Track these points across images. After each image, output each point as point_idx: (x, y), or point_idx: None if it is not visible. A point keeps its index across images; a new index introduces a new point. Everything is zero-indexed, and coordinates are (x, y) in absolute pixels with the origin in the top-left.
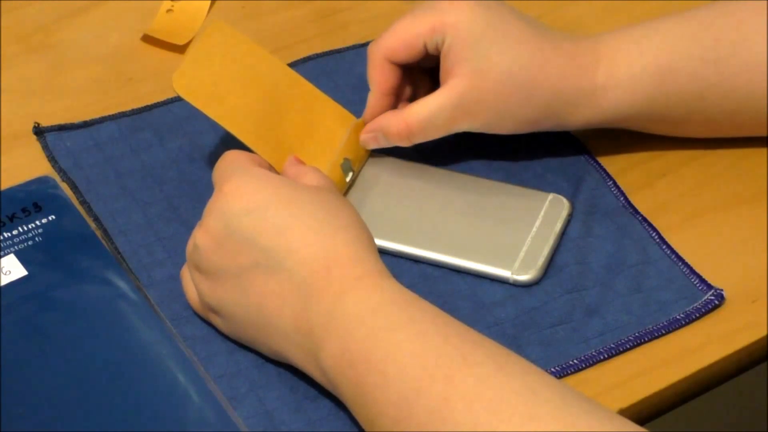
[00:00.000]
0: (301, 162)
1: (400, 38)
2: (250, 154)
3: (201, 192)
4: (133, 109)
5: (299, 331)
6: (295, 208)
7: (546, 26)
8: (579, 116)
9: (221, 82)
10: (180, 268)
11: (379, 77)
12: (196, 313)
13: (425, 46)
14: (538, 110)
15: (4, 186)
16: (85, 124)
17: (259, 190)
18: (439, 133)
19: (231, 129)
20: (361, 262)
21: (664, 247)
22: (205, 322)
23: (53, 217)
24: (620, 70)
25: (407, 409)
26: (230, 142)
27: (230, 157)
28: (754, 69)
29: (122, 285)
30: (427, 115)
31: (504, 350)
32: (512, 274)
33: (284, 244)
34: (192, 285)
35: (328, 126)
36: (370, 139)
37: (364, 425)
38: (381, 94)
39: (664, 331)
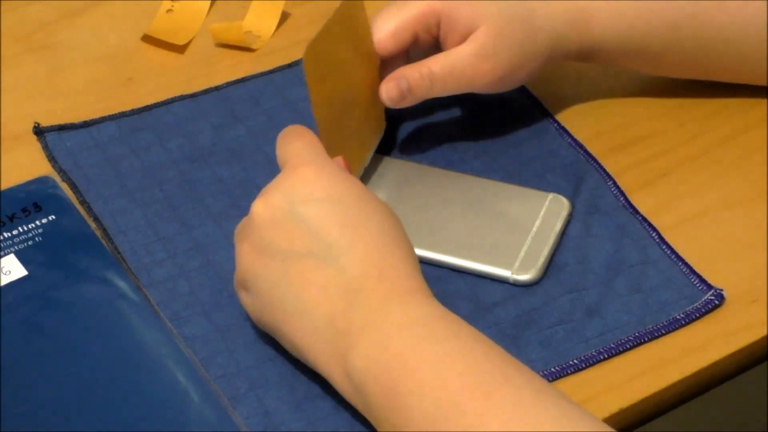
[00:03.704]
0: (347, 167)
1: (394, 37)
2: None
3: (201, 192)
4: (133, 109)
5: (334, 328)
6: (363, 210)
7: None
8: (572, 44)
9: (334, 61)
10: (180, 268)
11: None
12: (196, 313)
13: (415, 35)
14: (542, 43)
15: (4, 186)
16: (85, 124)
17: (335, 183)
18: (459, 84)
19: (315, 112)
20: (412, 278)
21: (664, 247)
22: (205, 323)
23: (53, 217)
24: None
25: (441, 420)
26: (229, 141)
27: (307, 138)
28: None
29: (122, 285)
30: (451, 61)
31: (541, 379)
32: (512, 274)
33: (346, 241)
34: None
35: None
36: (393, 87)
37: (383, 426)
38: None
39: (664, 331)
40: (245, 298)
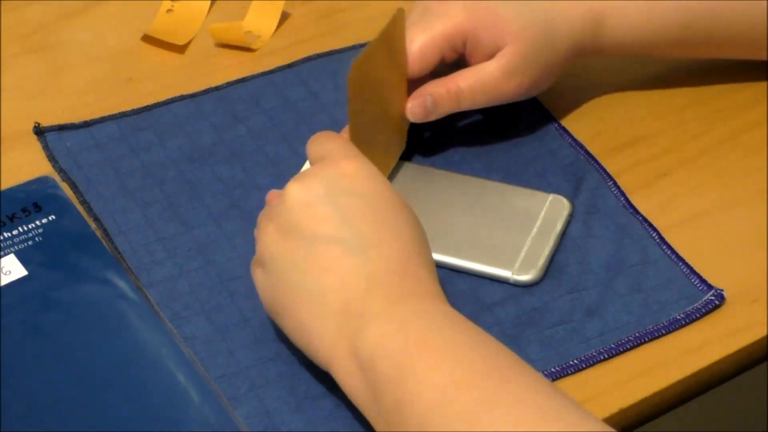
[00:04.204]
0: None
1: (414, 55)
2: None
3: (201, 192)
4: (133, 109)
5: (347, 312)
6: (395, 212)
7: None
8: (588, 47)
9: (375, 78)
10: (180, 267)
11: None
12: (196, 313)
13: (441, 55)
14: (563, 52)
15: (4, 186)
16: (85, 124)
17: (373, 182)
18: (485, 99)
19: (351, 126)
20: (432, 285)
21: (664, 247)
22: (205, 323)
23: (53, 217)
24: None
25: (453, 398)
26: (230, 142)
27: (345, 139)
28: None
29: (122, 285)
30: (478, 78)
31: (549, 382)
32: (513, 274)
33: (376, 235)
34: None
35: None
36: (417, 105)
37: (387, 410)
38: None
39: (664, 332)
40: (260, 276)
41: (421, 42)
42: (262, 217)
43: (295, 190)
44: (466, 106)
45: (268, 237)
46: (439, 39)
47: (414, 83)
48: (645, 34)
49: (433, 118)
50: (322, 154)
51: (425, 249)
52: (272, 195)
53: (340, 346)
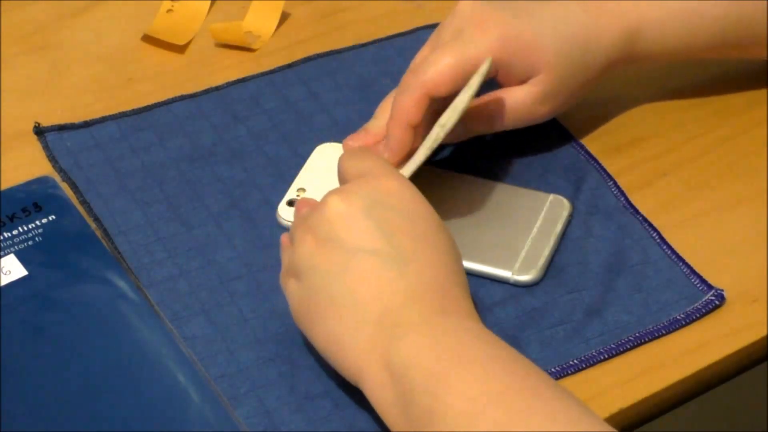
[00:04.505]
0: None
1: (446, 75)
2: None
3: (201, 192)
4: (133, 109)
5: (382, 323)
6: (435, 232)
7: None
8: (619, 65)
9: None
10: (180, 267)
11: (416, 112)
12: (196, 313)
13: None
14: (595, 73)
15: (4, 186)
16: (86, 124)
17: (415, 201)
18: (515, 123)
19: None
20: (469, 305)
21: (664, 247)
22: (205, 323)
23: (53, 217)
24: (650, 10)
25: (487, 410)
26: (230, 142)
27: (381, 158)
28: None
29: (122, 285)
30: (510, 104)
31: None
32: (513, 274)
33: (415, 252)
34: (287, 252)
35: None
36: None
37: (417, 421)
38: (410, 128)
39: (664, 332)
40: (292, 286)
41: (453, 65)
42: (298, 229)
43: (335, 202)
44: (497, 128)
45: (306, 248)
46: (471, 65)
47: (444, 100)
48: (679, 45)
49: (463, 138)
50: (361, 170)
51: (460, 270)
52: (302, 203)
53: (372, 356)
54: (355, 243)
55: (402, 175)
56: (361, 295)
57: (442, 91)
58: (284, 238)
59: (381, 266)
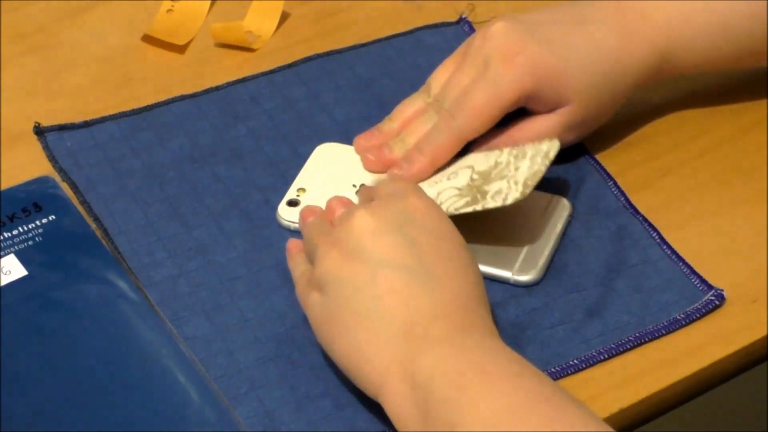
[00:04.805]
0: None
1: (485, 121)
2: None
3: (201, 192)
4: (133, 109)
5: (408, 335)
6: (459, 254)
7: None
8: (649, 84)
9: None
10: (180, 267)
11: (448, 156)
12: (196, 313)
13: (503, 115)
14: (624, 97)
15: (4, 186)
16: (86, 124)
17: (441, 219)
18: None
19: None
20: (491, 324)
21: (664, 247)
22: (205, 323)
23: (53, 217)
24: (682, 29)
25: (509, 421)
26: (230, 142)
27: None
28: None
29: (122, 285)
30: (537, 134)
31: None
32: (513, 274)
33: (441, 269)
34: (300, 261)
35: None
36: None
37: (437, 431)
38: (437, 166)
39: (664, 332)
40: (316, 299)
41: (486, 104)
42: (322, 243)
43: (365, 217)
44: None
45: (331, 261)
46: (505, 104)
47: None
48: (707, 58)
49: None
50: (391, 192)
51: (482, 289)
52: (308, 212)
53: (394, 368)
54: (383, 257)
55: (428, 196)
56: (387, 308)
57: (476, 135)
58: (291, 245)
59: (409, 281)
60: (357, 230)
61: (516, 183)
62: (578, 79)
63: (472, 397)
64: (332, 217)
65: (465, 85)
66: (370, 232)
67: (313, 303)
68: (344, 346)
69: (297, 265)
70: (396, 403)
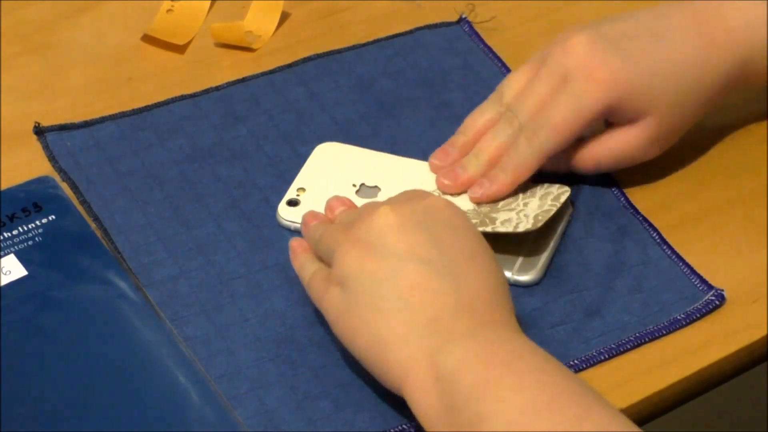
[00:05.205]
0: None
1: (567, 137)
2: None
3: (201, 192)
4: (133, 109)
5: (433, 327)
6: (482, 249)
7: (638, 13)
8: (734, 84)
9: None
10: (180, 267)
11: (532, 171)
12: (196, 313)
13: (586, 129)
14: (707, 107)
15: (4, 186)
16: (86, 124)
17: (462, 218)
18: (623, 164)
19: None
20: (515, 322)
21: (664, 247)
22: (205, 323)
23: (53, 217)
24: (761, 39)
25: (535, 418)
26: (230, 141)
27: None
28: None
29: (122, 285)
30: (619, 148)
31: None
32: (513, 274)
33: (464, 266)
34: (309, 261)
35: None
36: (551, 165)
37: (462, 426)
38: (518, 184)
39: (664, 332)
40: (336, 295)
41: (569, 120)
42: (342, 240)
43: (387, 213)
44: (604, 170)
45: (351, 257)
46: (588, 120)
47: None
48: None
49: (563, 171)
50: (410, 195)
51: (505, 287)
52: (310, 216)
53: (418, 360)
54: (406, 252)
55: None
56: (411, 301)
57: (559, 151)
58: (296, 244)
59: (432, 275)
60: (379, 226)
61: (526, 216)
62: (660, 93)
63: (497, 392)
64: (332, 215)
65: (542, 97)
66: (392, 228)
67: (332, 298)
68: (366, 339)
69: (305, 264)
70: (420, 396)
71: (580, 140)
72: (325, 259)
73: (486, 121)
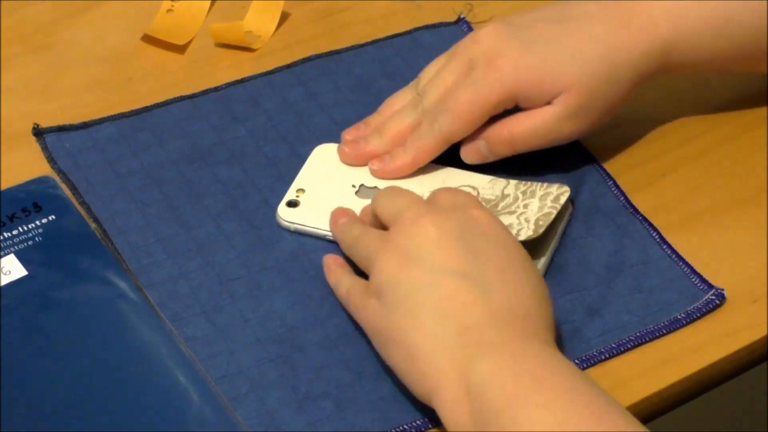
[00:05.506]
0: None
1: (468, 123)
2: None
3: (200, 192)
4: (132, 110)
5: (466, 337)
6: (522, 264)
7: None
8: (651, 78)
9: None
10: (180, 268)
11: (432, 156)
12: (196, 314)
13: (489, 116)
14: (625, 90)
15: (4, 186)
16: (85, 125)
17: (503, 231)
18: (541, 142)
19: None
20: (552, 339)
21: (664, 246)
22: (205, 323)
23: (53, 217)
24: (683, 22)
25: (562, 424)
26: (229, 142)
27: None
28: None
29: (122, 285)
30: (534, 124)
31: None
32: None
33: (501, 278)
34: (345, 276)
35: None
36: (472, 149)
37: None
38: (418, 165)
39: (665, 331)
40: (374, 305)
41: (468, 107)
42: (381, 249)
43: (429, 226)
44: (519, 150)
45: (390, 266)
46: (488, 106)
47: None
48: (712, 54)
49: (489, 160)
50: (454, 203)
51: (546, 300)
52: (341, 212)
53: (450, 371)
54: (443, 264)
55: (487, 209)
56: (444, 312)
57: (461, 137)
58: (330, 260)
59: (467, 288)
60: (419, 237)
61: (527, 221)
62: (567, 70)
63: (525, 409)
64: (366, 217)
65: (448, 84)
66: (433, 240)
67: (370, 310)
68: (400, 350)
69: (341, 279)
70: (450, 407)
71: (496, 122)
72: (358, 263)
73: (402, 106)
